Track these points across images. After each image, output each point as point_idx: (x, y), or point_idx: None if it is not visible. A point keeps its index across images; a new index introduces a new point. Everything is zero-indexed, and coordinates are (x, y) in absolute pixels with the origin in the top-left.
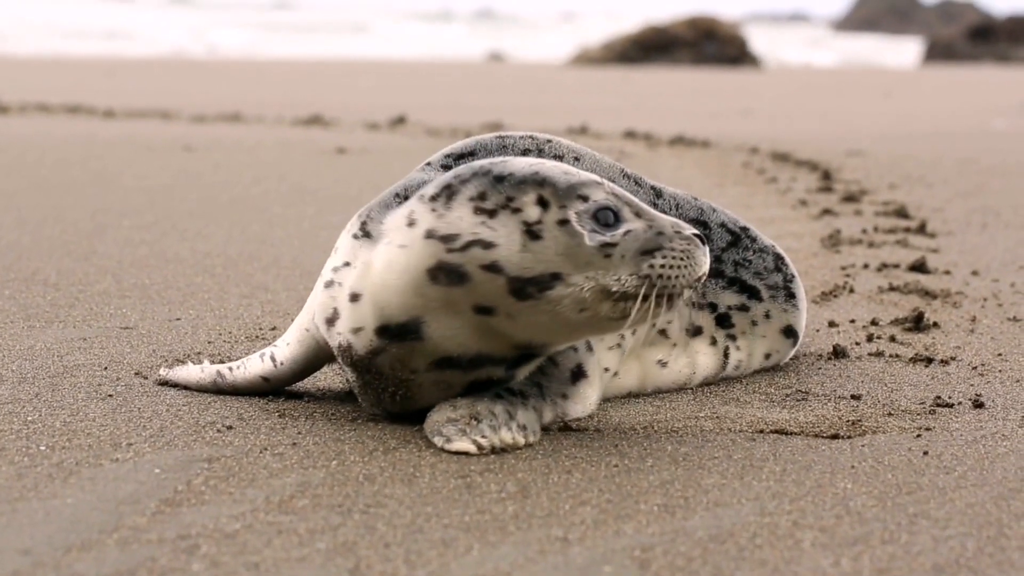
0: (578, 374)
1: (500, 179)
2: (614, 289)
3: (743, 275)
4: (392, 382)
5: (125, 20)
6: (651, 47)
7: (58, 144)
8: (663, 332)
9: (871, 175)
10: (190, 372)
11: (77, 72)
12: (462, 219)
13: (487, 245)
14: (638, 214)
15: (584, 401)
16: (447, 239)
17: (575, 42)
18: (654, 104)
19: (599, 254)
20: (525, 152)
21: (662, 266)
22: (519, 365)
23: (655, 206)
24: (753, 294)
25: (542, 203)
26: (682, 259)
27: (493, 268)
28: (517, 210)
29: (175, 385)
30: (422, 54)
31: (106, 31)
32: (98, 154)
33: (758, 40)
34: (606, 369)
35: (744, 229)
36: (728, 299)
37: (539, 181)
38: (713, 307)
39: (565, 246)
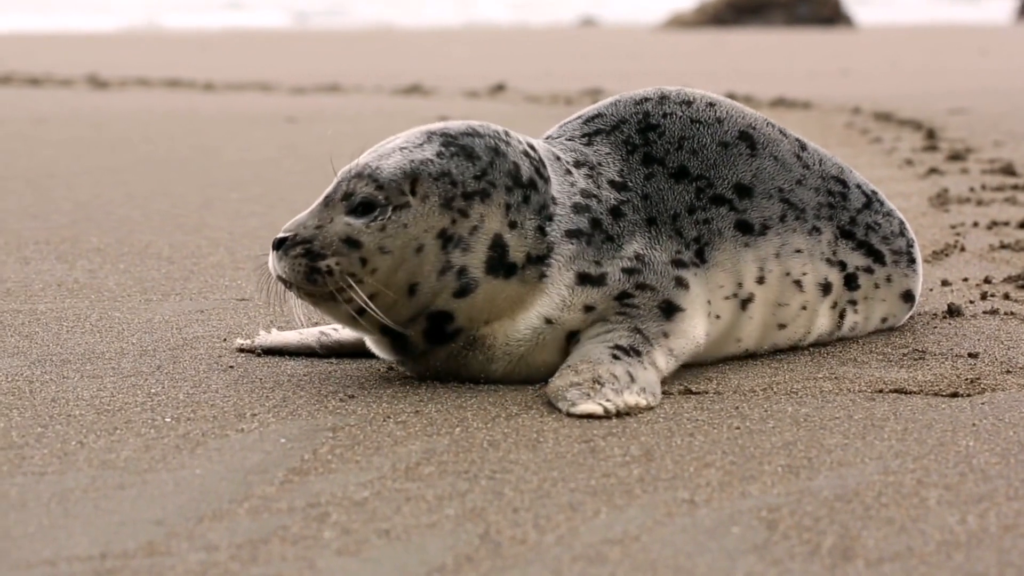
0: (670, 309)
1: None
2: None
3: (871, 238)
4: None
5: None
6: (744, 9)
7: (160, 119)
8: (798, 283)
9: (975, 133)
10: (287, 336)
11: (171, 46)
12: None
13: None
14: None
15: (687, 336)
16: None
17: (667, 6)
18: (751, 66)
19: None
20: (643, 101)
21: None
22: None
23: (798, 158)
24: (878, 258)
25: None
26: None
27: None
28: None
29: (274, 351)
30: (513, 20)
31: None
32: (200, 128)
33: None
34: (718, 317)
35: (874, 192)
36: (856, 260)
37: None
38: (843, 266)
39: None
